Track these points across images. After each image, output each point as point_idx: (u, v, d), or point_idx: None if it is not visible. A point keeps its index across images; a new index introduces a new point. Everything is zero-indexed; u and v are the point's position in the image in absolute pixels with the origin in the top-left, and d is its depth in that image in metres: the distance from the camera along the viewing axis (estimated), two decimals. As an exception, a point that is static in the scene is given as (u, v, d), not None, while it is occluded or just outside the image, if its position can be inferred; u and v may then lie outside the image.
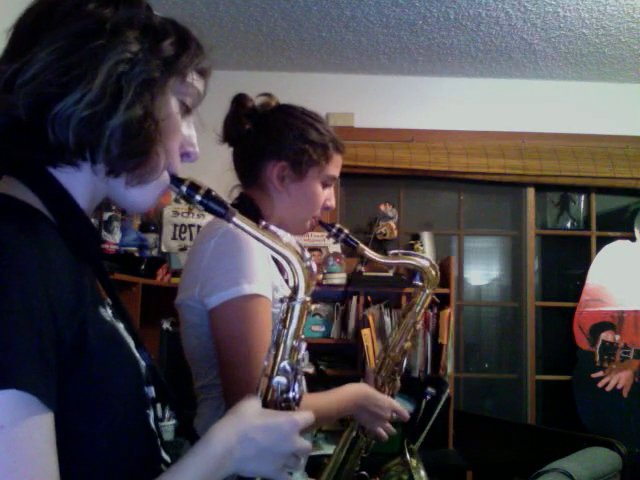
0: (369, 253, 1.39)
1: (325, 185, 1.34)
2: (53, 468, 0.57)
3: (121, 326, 0.75)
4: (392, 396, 1.47)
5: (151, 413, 0.76)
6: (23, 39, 0.68)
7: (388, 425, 1.38)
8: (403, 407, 1.40)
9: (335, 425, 2.69)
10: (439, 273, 1.48)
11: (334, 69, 3.45)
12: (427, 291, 1.49)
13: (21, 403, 0.54)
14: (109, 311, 0.74)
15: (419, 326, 1.49)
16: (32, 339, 0.56)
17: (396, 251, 1.46)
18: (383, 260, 1.44)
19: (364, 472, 1.47)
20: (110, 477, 0.67)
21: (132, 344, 0.75)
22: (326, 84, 3.47)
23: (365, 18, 2.88)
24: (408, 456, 1.44)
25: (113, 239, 2.53)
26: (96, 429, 0.66)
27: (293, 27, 2.98)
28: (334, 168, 1.34)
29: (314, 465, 1.37)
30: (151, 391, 0.76)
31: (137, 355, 0.75)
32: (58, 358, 0.59)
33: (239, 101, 1.33)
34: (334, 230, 1.38)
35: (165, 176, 0.76)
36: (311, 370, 2.80)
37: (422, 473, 1.42)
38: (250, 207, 1.27)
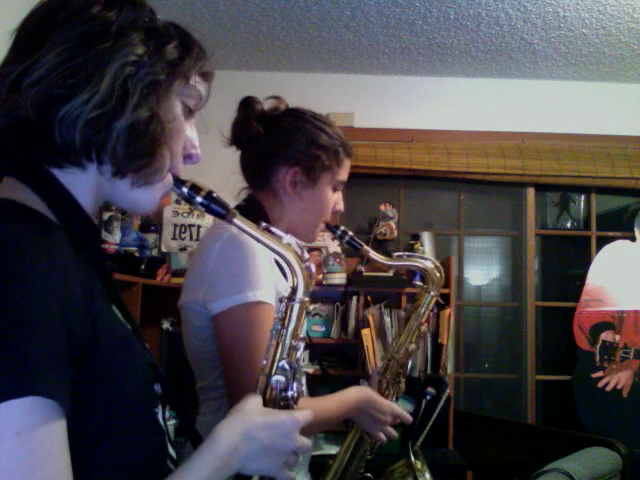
0: (373, 255, 1.39)
1: (335, 189, 1.34)
2: (67, 470, 0.58)
3: (127, 324, 0.76)
4: (396, 398, 1.47)
5: (159, 410, 0.76)
6: (28, 41, 0.68)
7: (389, 429, 1.38)
8: (404, 409, 1.40)
9: (337, 426, 2.69)
10: (443, 275, 1.48)
11: (334, 69, 3.45)
12: (432, 293, 1.49)
13: (38, 408, 0.55)
14: (117, 310, 0.75)
15: (424, 328, 1.49)
16: (48, 344, 0.56)
17: (400, 253, 1.46)
18: (387, 262, 1.44)
19: (368, 474, 1.46)
20: (119, 475, 0.68)
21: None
22: (326, 84, 3.47)
23: (365, 18, 2.87)
24: (412, 458, 1.43)
25: (113, 239, 2.53)
26: (108, 428, 0.66)
27: (293, 27, 2.98)
28: (344, 172, 1.34)
29: (318, 466, 1.38)
30: (158, 388, 0.77)
31: (146, 352, 0.76)
32: (71, 360, 0.59)
33: (248, 104, 1.31)
34: (339, 232, 1.38)
35: (169, 178, 0.76)
36: (311, 370, 2.80)
37: (427, 476, 1.41)
38: (257, 210, 1.27)
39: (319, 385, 2.57)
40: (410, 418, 1.39)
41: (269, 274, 1.12)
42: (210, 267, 1.12)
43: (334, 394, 1.27)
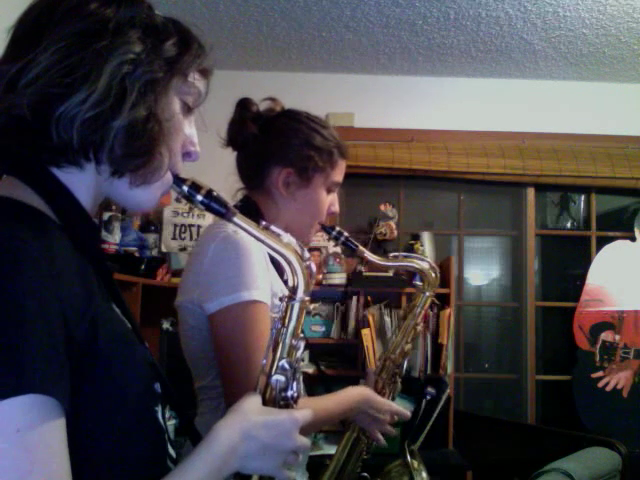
0: (369, 255, 1.39)
1: (329, 191, 1.34)
2: (66, 468, 0.58)
3: (127, 323, 0.76)
4: (392, 398, 1.48)
5: (159, 409, 0.76)
6: (24, 39, 0.68)
7: (387, 427, 1.39)
8: (403, 407, 1.40)
9: (335, 426, 2.69)
10: (439, 275, 1.49)
11: (334, 69, 3.45)
12: (427, 293, 1.49)
13: (37, 406, 0.55)
14: (117, 308, 0.75)
15: (419, 328, 1.49)
16: (46, 342, 0.56)
17: (396, 253, 1.46)
18: (383, 262, 1.44)
19: (365, 474, 1.47)
20: (118, 474, 0.68)
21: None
22: (326, 84, 3.47)
23: (365, 18, 2.88)
24: (409, 458, 1.44)
25: (113, 239, 2.54)
26: (107, 427, 0.66)
27: (293, 27, 2.98)
28: (339, 174, 1.34)
29: (316, 466, 1.38)
30: (158, 387, 0.77)
31: (145, 351, 0.76)
32: (70, 359, 0.59)
33: (244, 105, 1.32)
34: (334, 233, 1.38)
35: (168, 176, 0.76)
36: (311, 370, 2.80)
37: (424, 475, 1.41)
38: (252, 210, 1.27)
39: (315, 384, 2.57)
40: (408, 414, 1.40)
41: (264, 274, 1.12)
42: (205, 267, 1.12)
43: (333, 393, 1.27)
